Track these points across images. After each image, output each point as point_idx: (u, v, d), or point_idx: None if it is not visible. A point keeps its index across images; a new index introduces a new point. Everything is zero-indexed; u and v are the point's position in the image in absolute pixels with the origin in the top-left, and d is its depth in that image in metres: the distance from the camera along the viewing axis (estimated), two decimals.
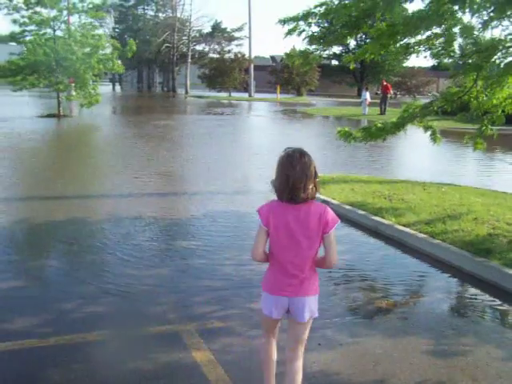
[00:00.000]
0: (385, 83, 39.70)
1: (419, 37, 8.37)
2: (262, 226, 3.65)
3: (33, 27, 29.97)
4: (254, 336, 5.12)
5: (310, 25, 8.17)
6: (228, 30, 79.13)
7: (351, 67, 9.69)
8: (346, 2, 8.03)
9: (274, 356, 3.99)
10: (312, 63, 8.99)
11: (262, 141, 23.76)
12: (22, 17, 29.53)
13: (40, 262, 7.43)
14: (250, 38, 66.48)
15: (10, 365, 4.66)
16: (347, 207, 9.85)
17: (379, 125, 9.15)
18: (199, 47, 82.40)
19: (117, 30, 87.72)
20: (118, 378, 4.49)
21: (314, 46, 8.55)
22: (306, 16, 8.05)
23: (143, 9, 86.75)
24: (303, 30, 8.23)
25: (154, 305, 5.87)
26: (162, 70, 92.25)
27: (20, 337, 5.10)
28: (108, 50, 31.44)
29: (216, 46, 78.35)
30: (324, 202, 10.36)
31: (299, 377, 3.83)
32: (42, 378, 4.47)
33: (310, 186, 3.57)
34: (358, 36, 55.78)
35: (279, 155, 3.76)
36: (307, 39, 8.23)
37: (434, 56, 8.70)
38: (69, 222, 9.22)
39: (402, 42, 8.47)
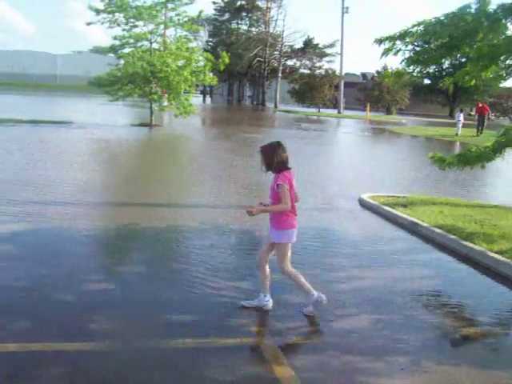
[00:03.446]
0: (480, 105, 38.61)
1: None
2: (287, 187, 5.76)
3: (131, 40, 31.11)
4: (336, 356, 5.07)
5: (406, 44, 8.05)
6: (320, 46, 79.25)
7: (450, 90, 9.46)
8: (446, 21, 7.86)
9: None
10: (407, 84, 8.83)
11: (347, 158, 23.59)
12: (123, 30, 30.76)
13: (130, 267, 7.64)
14: (341, 54, 66.40)
15: (94, 364, 4.81)
16: (437, 231, 9.59)
17: (475, 150, 8.82)
18: (290, 62, 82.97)
19: (210, 43, 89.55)
20: None
21: (411, 67, 8.38)
22: (403, 35, 7.93)
23: (237, 23, 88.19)
24: (399, 50, 8.11)
25: (235, 317, 5.91)
26: (253, 83, 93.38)
27: (105, 338, 5.27)
28: (201, 63, 32.13)
29: (307, 62, 78.50)
30: (413, 224, 10.16)
31: None
32: (127, 379, 4.58)
33: None
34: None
35: (269, 145, 5.98)
36: (405, 61, 8.07)
37: None
38: (160, 230, 9.45)
39: (506, 63, 8.17)
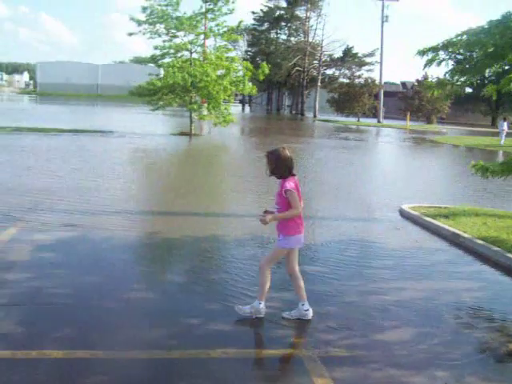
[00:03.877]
0: None
1: None
2: (295, 192, 5.85)
3: (171, 50, 31.51)
4: (377, 369, 5.02)
5: (450, 55, 7.94)
6: (359, 55, 78.97)
7: (493, 97, 9.31)
8: (490, 29, 7.72)
9: None
10: (450, 95, 8.70)
11: (386, 168, 23.40)
12: (164, 41, 31.19)
13: (170, 276, 7.70)
14: (381, 63, 66.03)
15: (138, 372, 4.86)
16: (479, 242, 9.44)
17: None
18: (329, 71, 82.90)
19: (249, 53, 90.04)
20: None
21: (455, 78, 8.26)
22: (446, 46, 7.83)
23: (276, 33, 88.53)
24: (443, 60, 8.01)
25: (276, 327, 5.90)
26: (292, 92, 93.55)
27: (149, 347, 5.31)
28: (240, 73, 32.32)
29: (346, 71, 78.32)
30: (455, 235, 10.01)
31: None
32: None
33: None
34: None
35: (275, 150, 6.04)
36: (449, 72, 7.96)
37: None
38: (201, 239, 9.51)
39: None
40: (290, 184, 5.87)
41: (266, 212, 6.06)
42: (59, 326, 5.65)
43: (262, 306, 6.01)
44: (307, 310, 6.06)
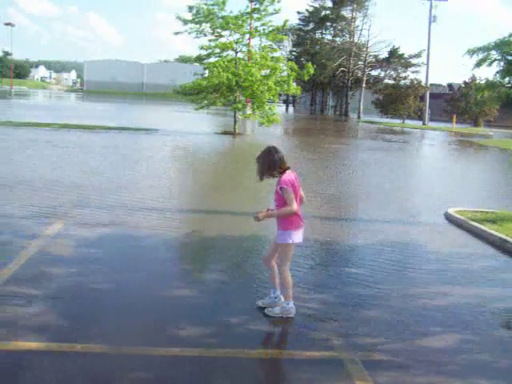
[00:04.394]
0: None
1: None
2: (290, 190, 5.86)
3: (217, 50, 31.66)
4: (420, 375, 4.92)
5: (503, 55, 7.70)
6: (405, 55, 77.95)
7: None
8: None
9: None
10: (501, 97, 8.43)
11: (431, 171, 23.03)
12: (210, 40, 31.37)
13: (211, 275, 7.70)
14: (427, 64, 65.05)
15: (177, 370, 4.86)
16: None
17: None
18: (374, 72, 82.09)
19: (294, 53, 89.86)
20: None
21: (506, 79, 8.02)
22: (499, 45, 7.60)
23: (321, 33, 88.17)
24: (495, 60, 7.78)
25: (315, 328, 5.83)
26: (336, 93, 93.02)
27: (188, 344, 5.31)
28: (285, 73, 32.27)
29: (392, 72, 77.51)
30: (503, 240, 9.77)
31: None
32: None
33: None
34: None
35: (262, 152, 6.00)
36: (499, 73, 7.72)
37: None
38: (242, 238, 9.50)
39: None
40: (285, 181, 5.89)
41: (267, 210, 6.02)
42: (102, 321, 5.70)
43: (291, 305, 6.05)
44: (277, 297, 6.23)
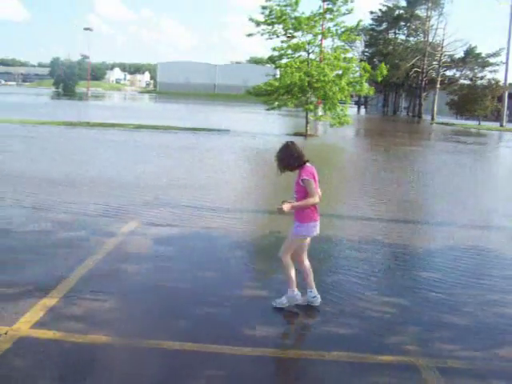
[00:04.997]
0: None
1: None
2: (312, 180, 5.92)
3: (289, 51, 31.66)
4: None
5: None
6: (482, 55, 75.70)
7: None
8: None
9: None
10: None
11: (507, 174, 22.33)
12: (282, 42, 31.42)
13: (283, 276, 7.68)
14: (506, 63, 62.98)
15: (252, 370, 4.87)
16: None
17: None
18: (449, 73, 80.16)
19: (366, 53, 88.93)
20: None
21: None
22: None
23: (394, 33, 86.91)
24: None
25: (390, 333, 5.73)
26: (409, 94, 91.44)
27: (261, 344, 5.31)
28: (357, 73, 31.97)
29: (468, 72, 75.52)
30: None
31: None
32: None
33: None
34: None
35: (280, 148, 6.12)
36: None
37: None
38: (319, 240, 9.43)
39: None
40: (306, 173, 5.97)
41: (284, 202, 5.97)
42: (175, 318, 5.78)
43: (296, 292, 6.15)
44: (314, 296, 6.25)
